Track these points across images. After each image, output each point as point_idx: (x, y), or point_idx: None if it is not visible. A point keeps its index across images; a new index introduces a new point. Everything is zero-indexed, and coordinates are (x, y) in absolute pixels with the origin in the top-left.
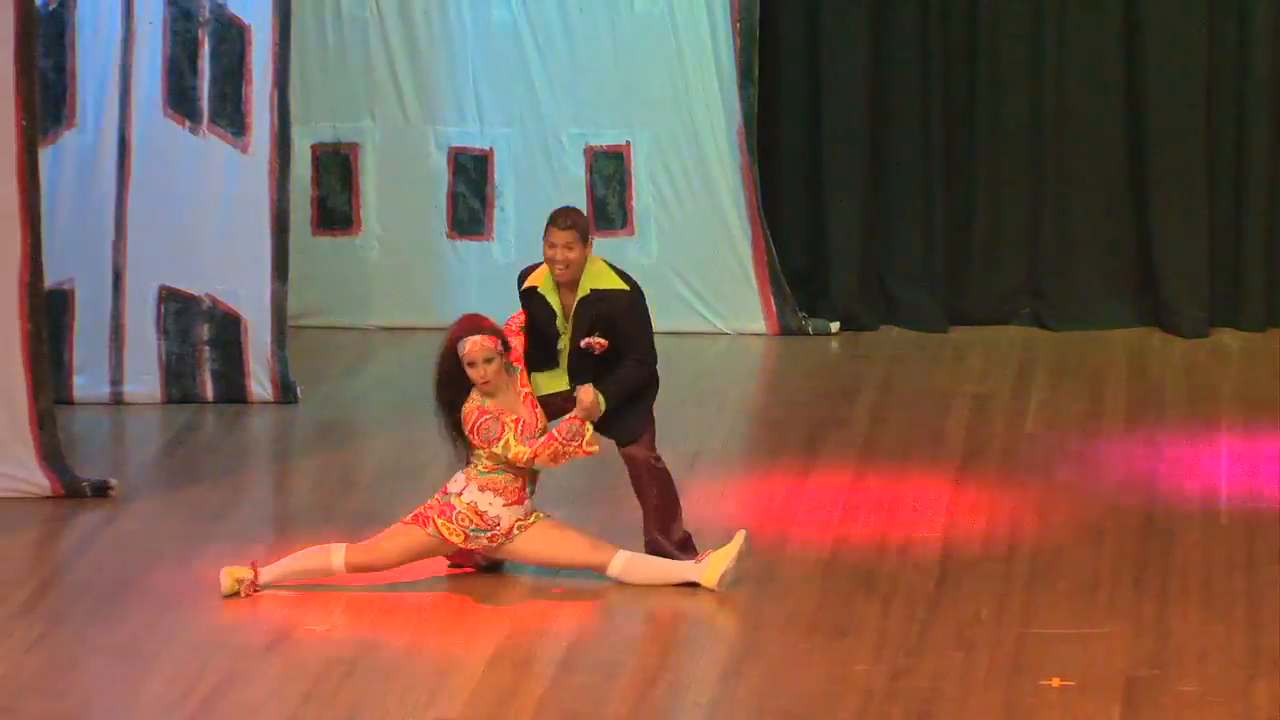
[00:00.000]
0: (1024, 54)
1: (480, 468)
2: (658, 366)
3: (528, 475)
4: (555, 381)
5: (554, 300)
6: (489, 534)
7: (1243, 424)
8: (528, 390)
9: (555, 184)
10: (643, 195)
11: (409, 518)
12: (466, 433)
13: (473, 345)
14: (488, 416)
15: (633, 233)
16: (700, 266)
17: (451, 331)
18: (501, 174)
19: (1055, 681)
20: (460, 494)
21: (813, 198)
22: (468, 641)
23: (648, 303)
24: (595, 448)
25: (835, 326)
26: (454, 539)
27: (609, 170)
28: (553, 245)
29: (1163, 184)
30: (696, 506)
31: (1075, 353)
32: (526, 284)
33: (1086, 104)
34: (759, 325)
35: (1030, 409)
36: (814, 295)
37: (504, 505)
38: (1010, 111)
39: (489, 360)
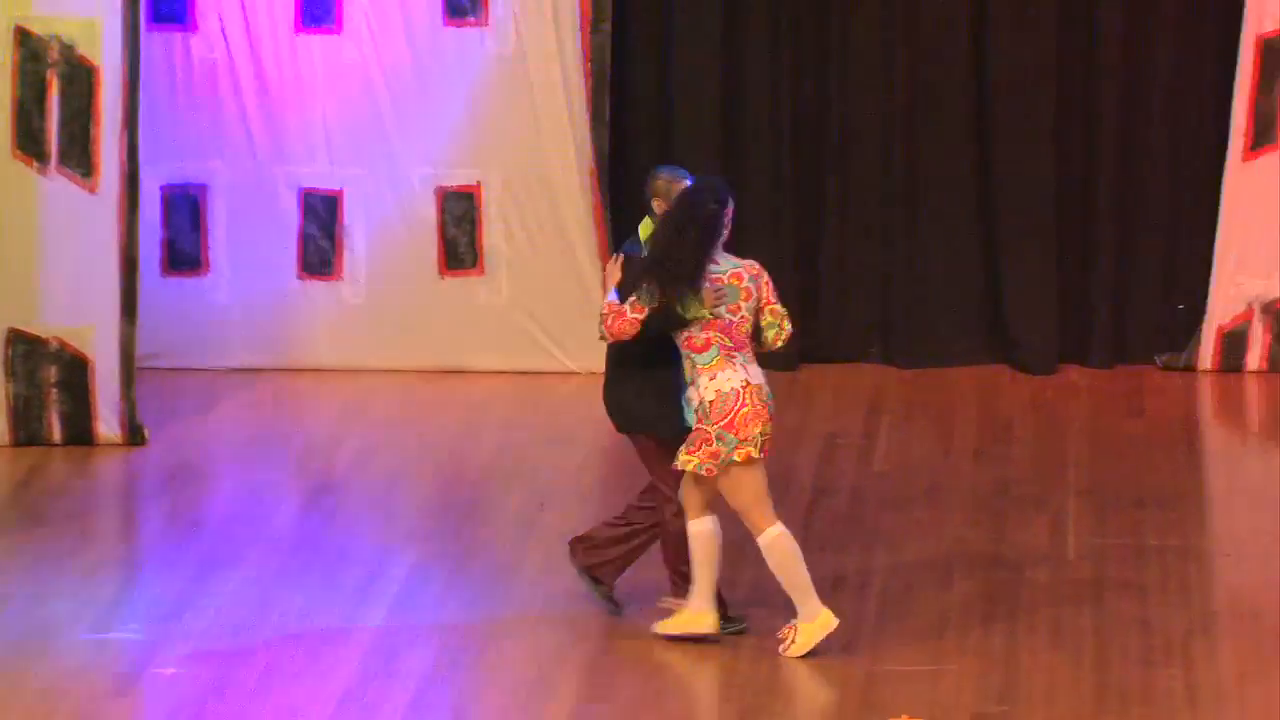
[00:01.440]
0: (874, 97)
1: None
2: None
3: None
4: None
5: None
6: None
7: (1090, 460)
8: None
9: (405, 224)
10: (493, 235)
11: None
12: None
13: None
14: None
15: (483, 273)
16: (551, 306)
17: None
18: (352, 214)
19: (905, 719)
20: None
21: None
22: (314, 686)
23: None
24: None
25: None
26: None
27: (459, 210)
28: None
29: (1011, 222)
30: (547, 547)
31: (925, 390)
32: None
33: (935, 144)
34: None
35: (879, 447)
36: None
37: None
38: (860, 152)
39: None
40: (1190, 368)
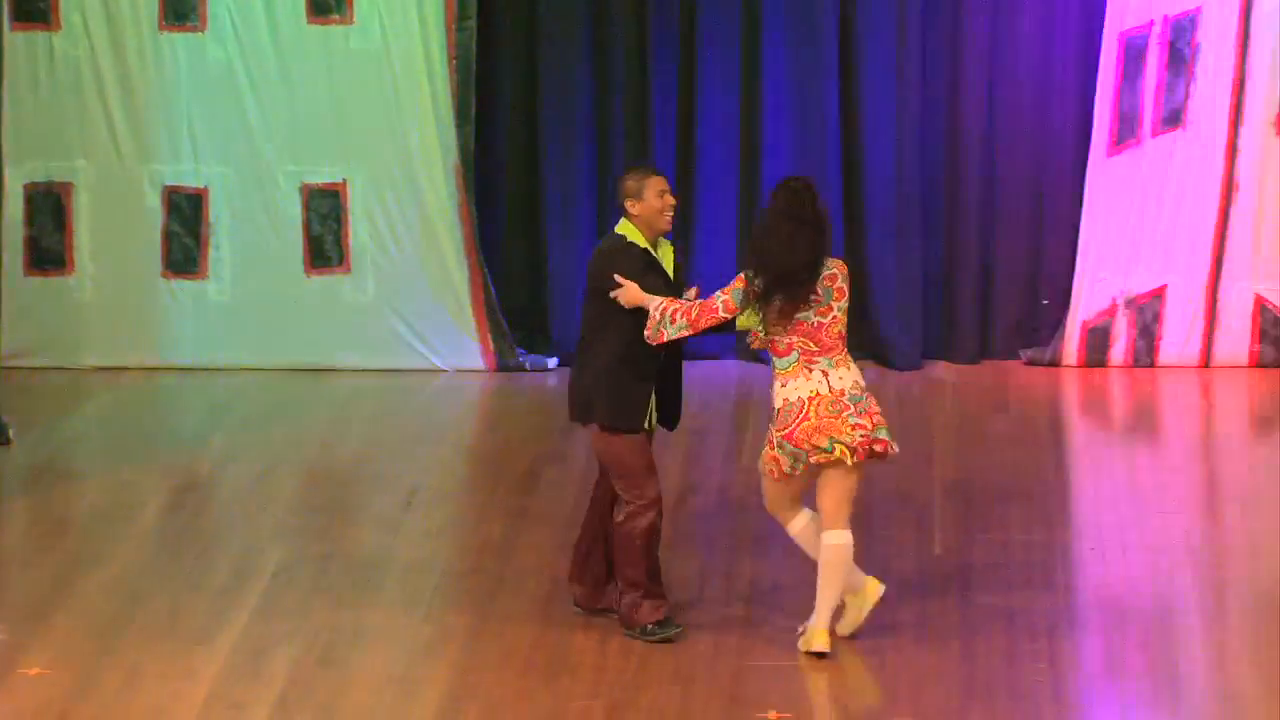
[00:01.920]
0: (736, 94)
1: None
2: None
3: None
4: None
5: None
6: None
7: (955, 455)
8: None
9: (270, 222)
10: (359, 233)
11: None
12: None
13: None
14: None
15: (349, 270)
16: (417, 304)
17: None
18: (216, 212)
19: (773, 715)
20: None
21: (531, 235)
22: (179, 686)
23: None
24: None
25: (552, 363)
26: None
27: (325, 208)
28: (663, 193)
29: (877, 220)
30: (414, 545)
31: None
32: (638, 249)
33: (801, 142)
34: (476, 362)
35: (747, 443)
36: (531, 332)
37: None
38: (726, 146)
39: None
40: (1055, 363)
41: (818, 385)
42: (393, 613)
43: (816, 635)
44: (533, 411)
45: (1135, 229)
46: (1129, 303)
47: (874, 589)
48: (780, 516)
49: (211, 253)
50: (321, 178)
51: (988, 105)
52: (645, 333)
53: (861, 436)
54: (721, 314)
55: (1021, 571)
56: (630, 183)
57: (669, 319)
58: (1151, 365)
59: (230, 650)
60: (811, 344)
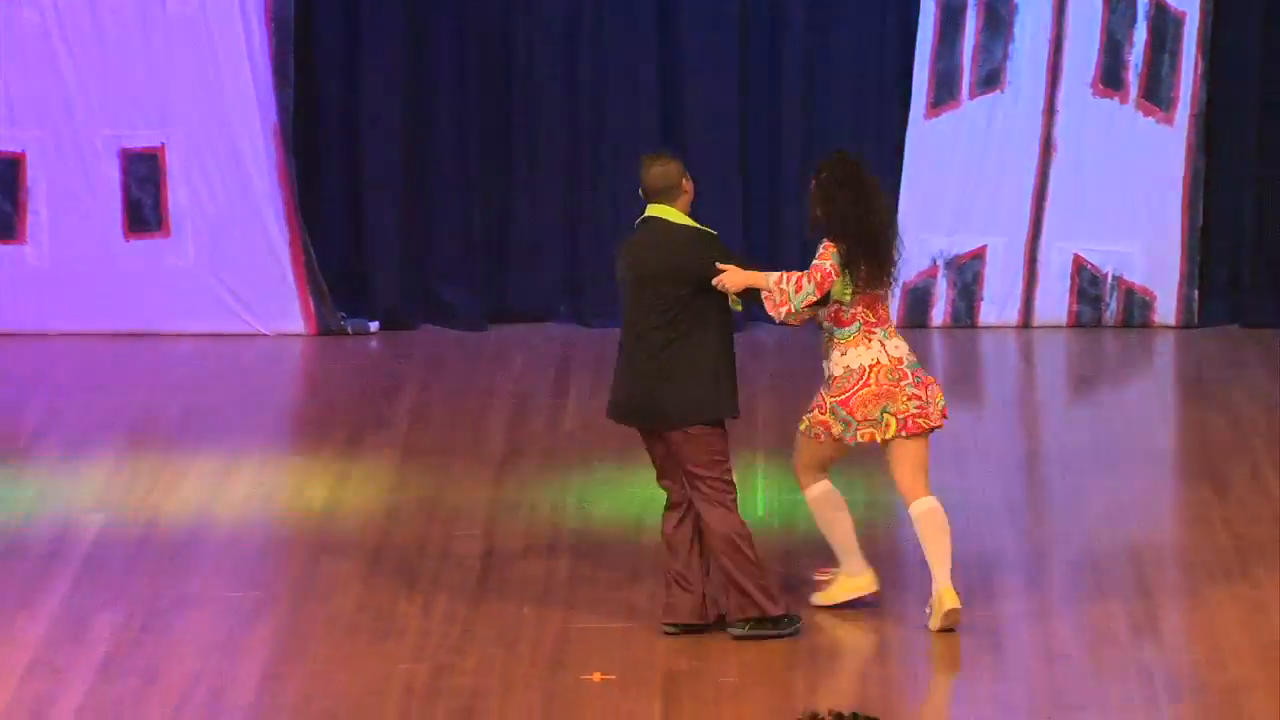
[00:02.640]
0: (560, 56)
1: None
2: None
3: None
4: None
5: None
6: None
7: (778, 418)
8: None
9: (89, 186)
10: (178, 197)
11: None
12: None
13: None
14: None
15: (169, 235)
16: (238, 268)
17: None
18: (34, 177)
19: (597, 676)
20: None
21: (352, 198)
22: (2, 653)
23: None
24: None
25: (374, 326)
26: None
27: (143, 172)
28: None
29: (699, 184)
30: (237, 510)
31: (613, 349)
32: (711, 231)
33: (621, 104)
34: (298, 326)
35: (569, 406)
36: (354, 295)
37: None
38: (547, 112)
39: None
40: None
41: (878, 354)
42: (216, 578)
43: (946, 595)
44: (355, 375)
45: (955, 190)
46: (949, 263)
47: (869, 582)
48: (803, 479)
49: (30, 218)
50: (139, 141)
51: (806, 67)
52: (768, 309)
53: (916, 407)
54: (833, 278)
55: None
56: (675, 165)
57: (795, 288)
58: (972, 325)
59: (52, 616)
60: (871, 315)
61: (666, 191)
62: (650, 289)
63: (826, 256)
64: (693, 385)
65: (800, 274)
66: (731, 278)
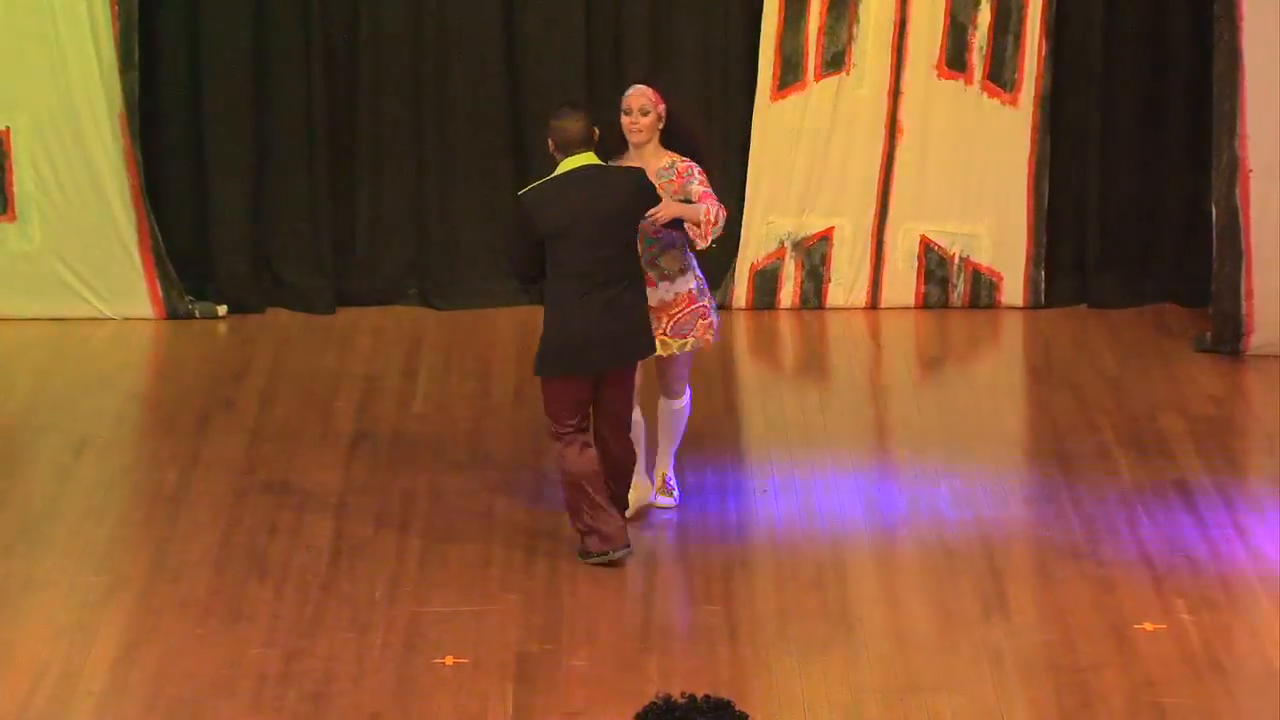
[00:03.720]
0: (403, 32)
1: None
2: None
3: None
4: None
5: None
6: None
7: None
8: None
9: None
10: (24, 180)
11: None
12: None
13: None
14: None
15: (14, 218)
16: (84, 251)
17: None
18: None
19: (449, 660)
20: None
21: (196, 181)
22: None
23: None
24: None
25: (222, 310)
26: None
27: None
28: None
29: (543, 165)
30: (86, 495)
31: (463, 332)
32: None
33: (467, 82)
34: (145, 310)
35: (419, 389)
36: (200, 279)
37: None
38: (391, 91)
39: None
40: (724, 306)
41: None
42: (65, 562)
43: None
44: (203, 359)
45: (802, 173)
46: (796, 245)
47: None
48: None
49: None
50: None
51: (653, 45)
52: (693, 237)
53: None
54: None
55: (696, 514)
56: (588, 115)
57: (718, 217)
58: (820, 307)
59: None
60: None
61: (588, 140)
62: (611, 227)
63: (707, 184)
64: (648, 318)
65: (716, 205)
66: (666, 210)
